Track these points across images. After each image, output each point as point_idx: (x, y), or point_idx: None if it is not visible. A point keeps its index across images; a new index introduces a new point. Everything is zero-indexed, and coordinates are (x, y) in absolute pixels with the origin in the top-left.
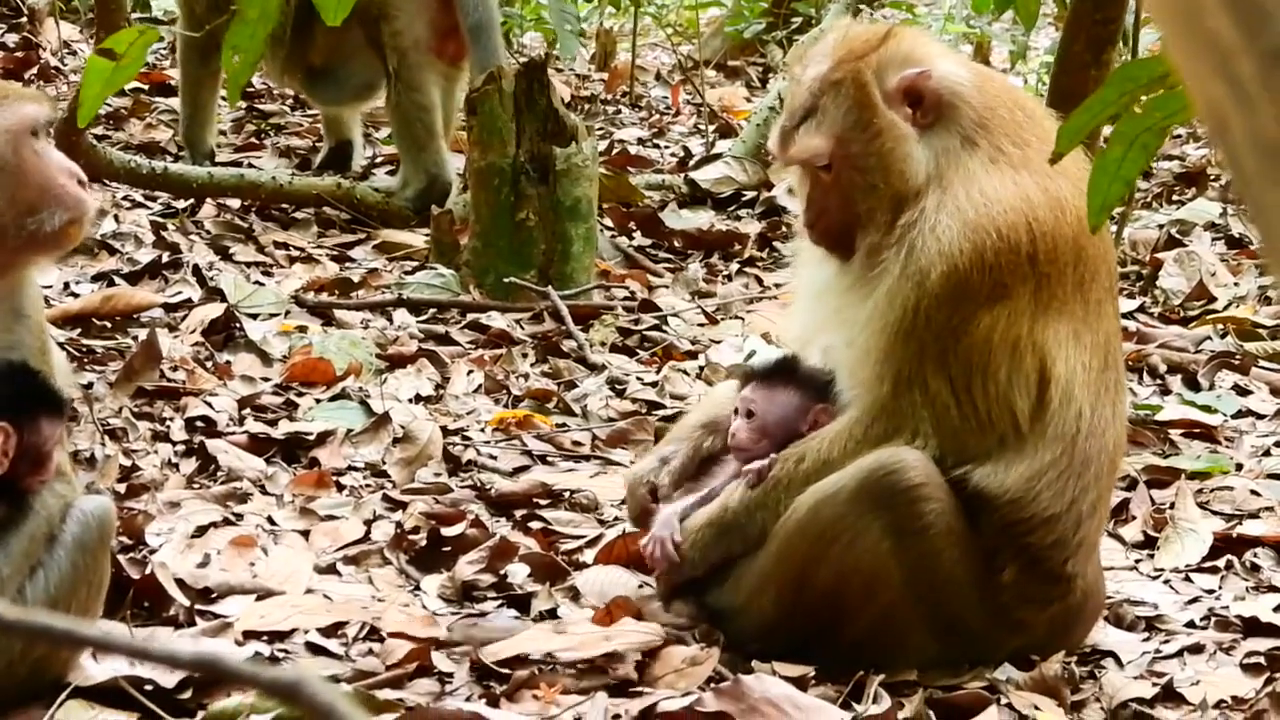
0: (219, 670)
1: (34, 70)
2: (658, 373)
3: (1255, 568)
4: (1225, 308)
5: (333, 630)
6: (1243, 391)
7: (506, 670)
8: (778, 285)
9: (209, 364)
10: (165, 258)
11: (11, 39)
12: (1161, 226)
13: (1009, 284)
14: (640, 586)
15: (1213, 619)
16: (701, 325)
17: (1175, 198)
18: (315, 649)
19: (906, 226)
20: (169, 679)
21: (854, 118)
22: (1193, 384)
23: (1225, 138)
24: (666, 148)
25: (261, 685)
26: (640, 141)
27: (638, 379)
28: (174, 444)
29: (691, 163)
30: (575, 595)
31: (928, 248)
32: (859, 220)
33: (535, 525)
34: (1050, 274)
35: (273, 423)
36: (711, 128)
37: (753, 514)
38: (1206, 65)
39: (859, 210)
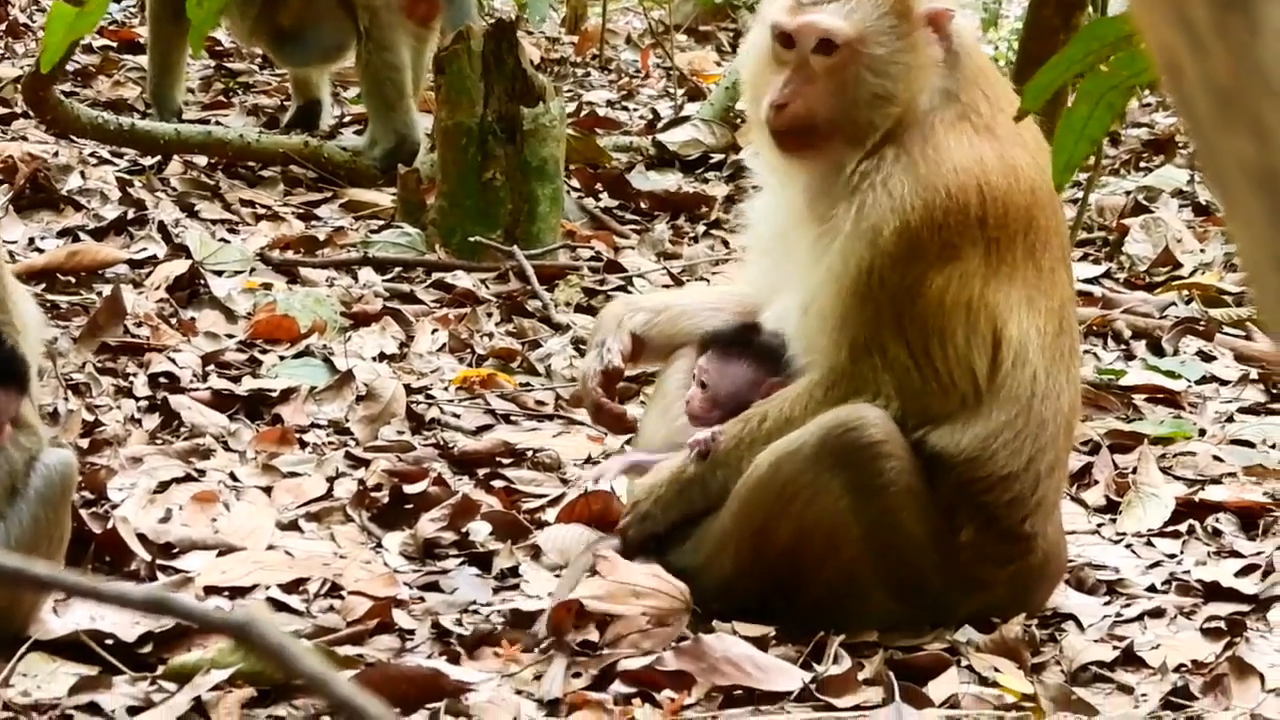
0: (167, 609)
1: (3, 26)
2: None
3: (1217, 533)
4: (1191, 274)
5: (294, 586)
6: (1207, 357)
7: (467, 626)
8: (744, 249)
9: (173, 320)
10: (131, 214)
11: None
12: (1129, 193)
13: (958, 245)
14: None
15: (1174, 583)
16: (667, 286)
17: (1143, 164)
18: (276, 605)
19: (860, 176)
20: (130, 633)
21: (889, 23)
22: (1157, 349)
23: (1179, 84)
24: (635, 110)
25: (210, 625)
26: (609, 104)
27: None
28: (137, 400)
29: (659, 125)
30: (536, 553)
31: (879, 204)
32: (841, 124)
33: (497, 484)
34: (1000, 239)
35: (236, 379)
36: (680, 91)
37: (713, 470)
38: (1161, 10)
39: (848, 113)
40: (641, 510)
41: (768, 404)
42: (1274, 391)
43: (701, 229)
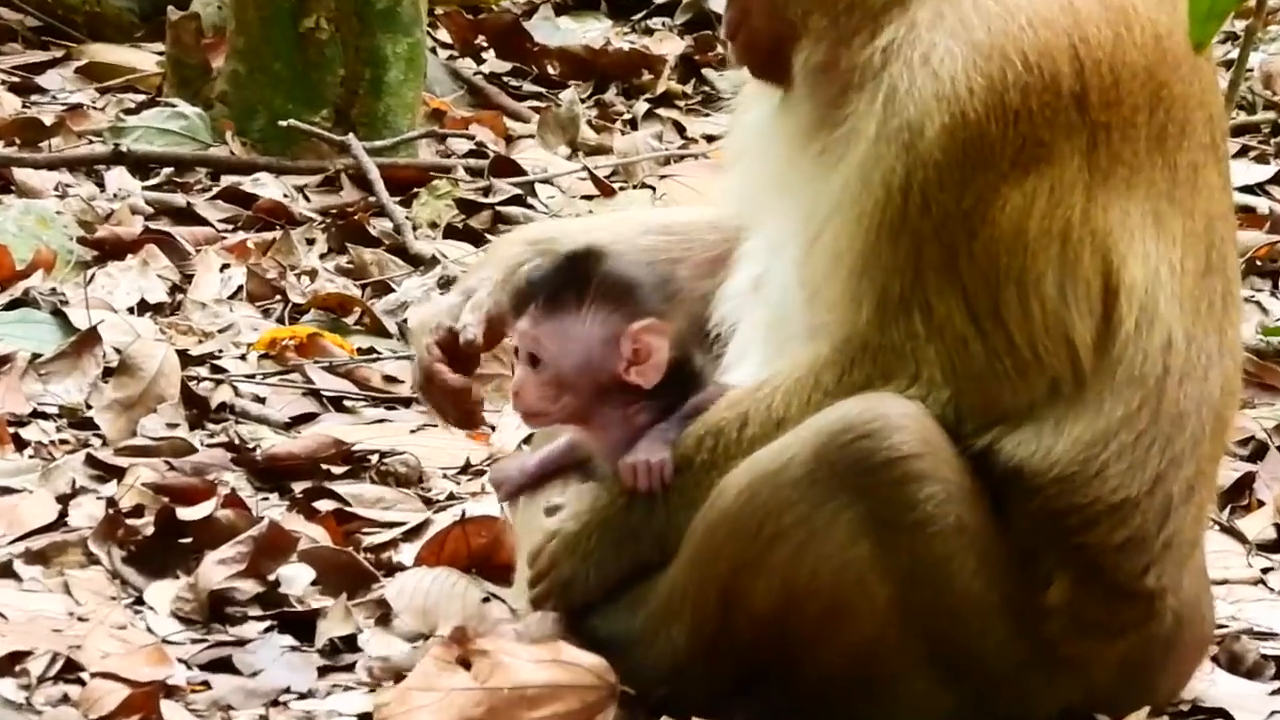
0: None
1: None
2: None
3: None
4: None
5: (8, 664)
6: None
7: None
8: (710, 138)
9: None
10: None
11: None
12: None
13: (1047, 140)
14: (486, 601)
15: None
16: (590, 198)
17: None
18: None
19: (885, 52)
20: None
21: None
22: None
23: None
24: None
25: None
26: None
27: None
28: None
29: None
30: (385, 615)
31: (919, 89)
32: (810, 25)
33: (325, 506)
34: (1111, 124)
35: None
36: None
37: (672, 511)
38: None
39: (814, 6)
40: (564, 574)
41: (749, 399)
42: None
43: (643, 107)
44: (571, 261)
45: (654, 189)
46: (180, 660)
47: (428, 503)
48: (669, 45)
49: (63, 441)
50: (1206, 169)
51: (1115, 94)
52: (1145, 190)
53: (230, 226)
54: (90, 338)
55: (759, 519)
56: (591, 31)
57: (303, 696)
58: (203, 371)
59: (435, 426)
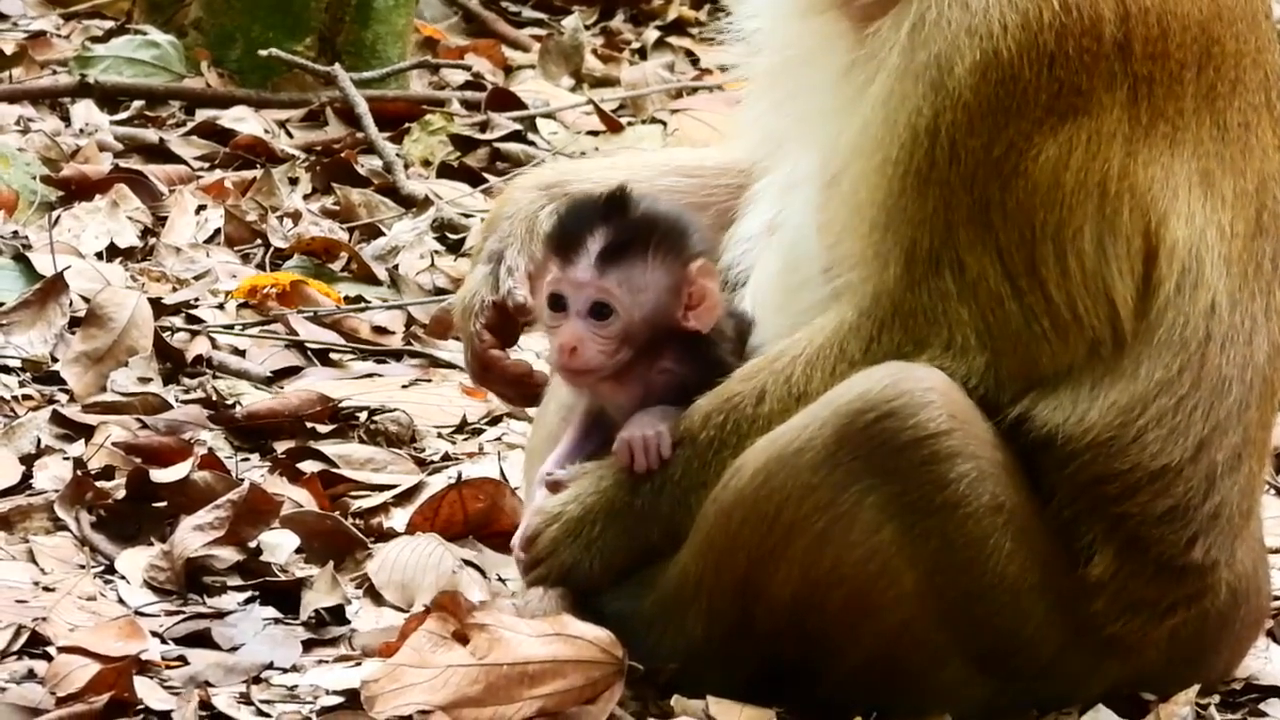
0: None
1: None
2: None
3: None
4: None
5: None
6: None
7: (261, 707)
8: (725, 68)
9: None
10: None
11: None
12: None
13: (1085, 88)
14: (474, 569)
15: None
16: (596, 133)
17: None
18: None
19: None
20: None
21: None
22: None
23: None
24: None
25: None
26: None
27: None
28: None
29: None
30: (375, 585)
31: (948, 20)
32: None
33: (309, 467)
34: (1155, 75)
35: None
36: None
37: (683, 495)
38: None
39: None
40: (564, 562)
41: (764, 370)
42: None
43: (653, 35)
44: (611, 204)
45: (665, 124)
46: (154, 634)
47: (421, 464)
48: None
49: (26, 397)
50: (1260, 128)
51: (1162, 46)
52: (1191, 149)
53: (206, 165)
54: (56, 285)
55: (776, 505)
56: None
57: (286, 672)
58: (177, 322)
59: (429, 381)
